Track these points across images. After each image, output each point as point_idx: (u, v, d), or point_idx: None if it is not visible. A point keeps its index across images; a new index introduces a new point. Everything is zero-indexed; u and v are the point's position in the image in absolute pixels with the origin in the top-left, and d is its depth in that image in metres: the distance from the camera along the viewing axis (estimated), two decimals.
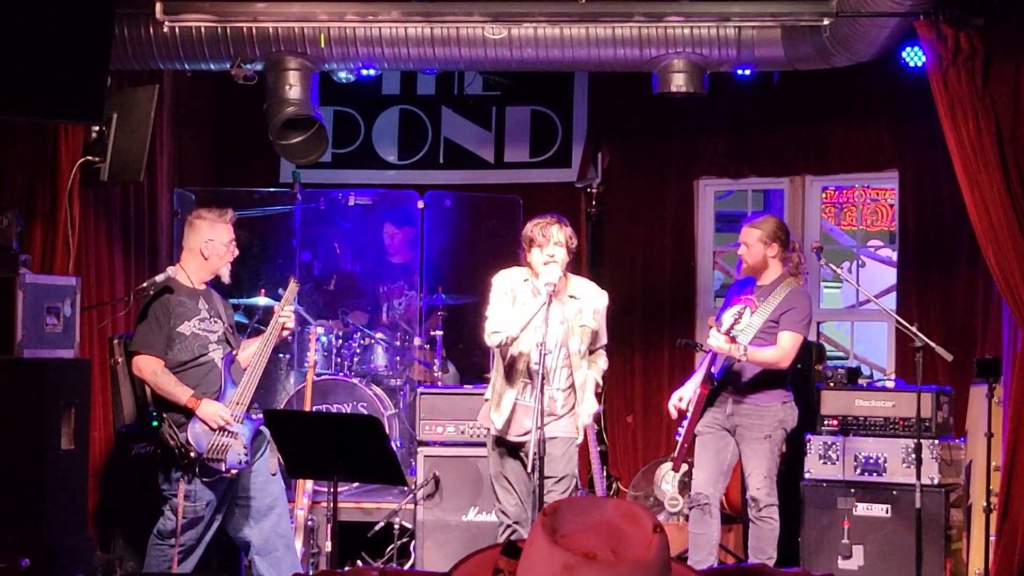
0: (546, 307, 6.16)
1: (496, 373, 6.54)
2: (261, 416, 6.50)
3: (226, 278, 6.75)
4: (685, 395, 7.14)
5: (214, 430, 6.36)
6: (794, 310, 6.99)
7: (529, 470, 6.04)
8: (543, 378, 6.06)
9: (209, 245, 6.60)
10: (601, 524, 2.28)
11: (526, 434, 6.14)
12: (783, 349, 6.94)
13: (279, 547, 6.67)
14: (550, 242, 6.33)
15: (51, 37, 6.15)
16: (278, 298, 6.99)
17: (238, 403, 6.47)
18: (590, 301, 6.48)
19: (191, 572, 6.57)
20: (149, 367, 6.44)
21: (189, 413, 6.37)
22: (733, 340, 6.80)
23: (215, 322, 6.61)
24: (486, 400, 6.58)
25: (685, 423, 7.08)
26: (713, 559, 7.09)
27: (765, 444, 7.00)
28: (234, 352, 6.67)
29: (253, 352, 6.66)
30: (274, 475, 6.63)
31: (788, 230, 7.28)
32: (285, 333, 6.85)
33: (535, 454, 5.94)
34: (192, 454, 6.33)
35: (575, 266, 9.61)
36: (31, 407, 6.10)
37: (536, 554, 2.27)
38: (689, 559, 7.04)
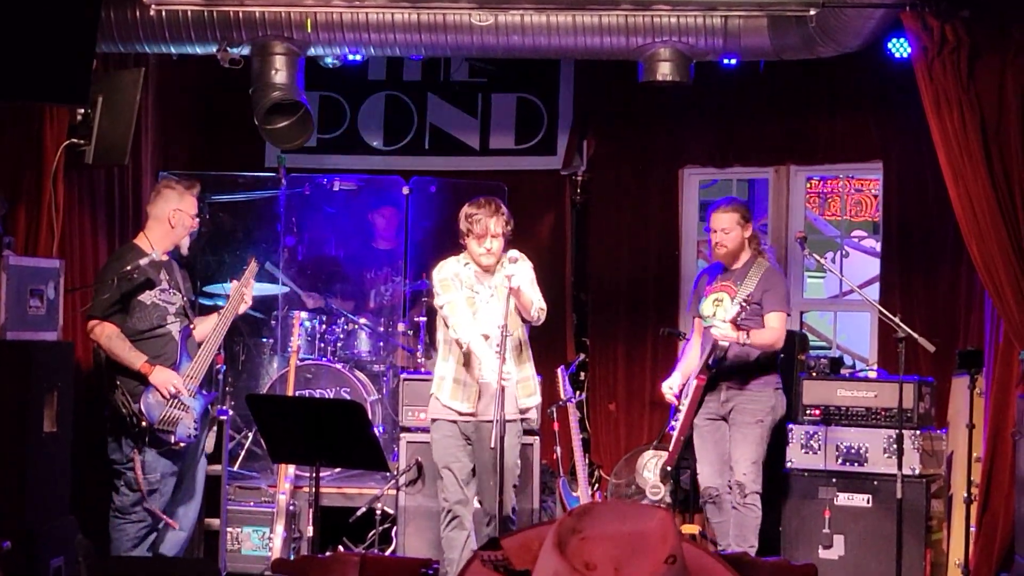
0: (507, 300, 6.28)
1: (449, 359, 6.60)
2: (213, 392, 6.59)
3: (184, 250, 6.90)
4: (674, 384, 7.23)
5: (166, 398, 6.41)
6: (772, 291, 7.15)
7: (494, 450, 6.14)
8: (503, 358, 6.15)
9: (177, 215, 6.73)
10: (625, 537, 2.24)
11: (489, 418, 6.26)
12: (775, 330, 7.12)
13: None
14: (487, 236, 6.51)
15: (37, 19, 6.11)
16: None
17: (191, 377, 6.55)
18: (515, 265, 6.55)
19: (175, 556, 6.59)
20: (104, 332, 6.53)
21: (143, 381, 6.44)
22: (738, 327, 6.94)
23: (174, 294, 6.71)
24: (431, 394, 6.67)
25: (680, 415, 7.14)
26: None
27: (756, 429, 7.08)
28: (192, 326, 6.73)
29: (210, 328, 6.73)
30: (206, 454, 6.79)
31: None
32: (243, 309, 6.93)
33: (499, 435, 6.06)
34: (143, 423, 6.39)
35: (559, 253, 9.74)
36: (14, 390, 6.08)
37: (542, 555, 2.28)
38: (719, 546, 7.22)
